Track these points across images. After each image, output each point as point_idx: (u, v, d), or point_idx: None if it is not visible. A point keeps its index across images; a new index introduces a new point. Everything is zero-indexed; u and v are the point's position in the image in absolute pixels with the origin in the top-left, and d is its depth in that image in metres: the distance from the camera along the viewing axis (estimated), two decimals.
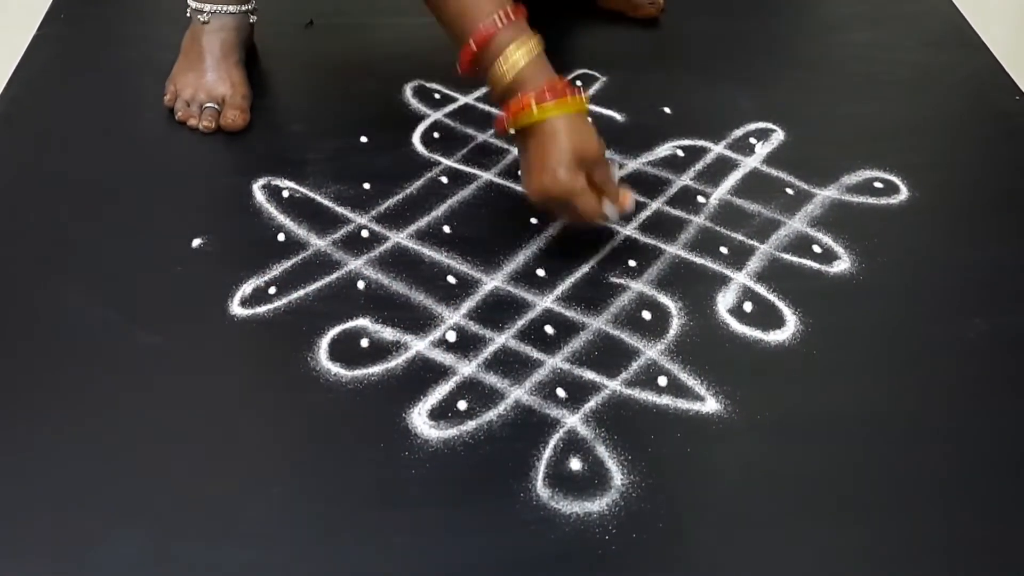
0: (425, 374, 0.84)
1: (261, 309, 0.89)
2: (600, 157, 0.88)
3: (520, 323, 0.89)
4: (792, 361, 0.86)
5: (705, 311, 0.90)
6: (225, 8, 1.10)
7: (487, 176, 1.04)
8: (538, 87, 0.86)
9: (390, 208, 1.00)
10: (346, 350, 0.86)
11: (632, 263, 0.94)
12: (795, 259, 0.95)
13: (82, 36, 1.24)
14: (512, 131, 0.89)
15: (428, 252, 0.95)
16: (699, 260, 0.95)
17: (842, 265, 0.94)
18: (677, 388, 0.83)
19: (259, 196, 1.01)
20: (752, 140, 1.08)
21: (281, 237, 0.96)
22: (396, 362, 0.85)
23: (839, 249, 0.96)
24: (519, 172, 0.92)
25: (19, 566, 0.72)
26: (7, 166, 1.05)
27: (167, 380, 0.84)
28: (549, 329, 0.88)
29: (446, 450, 0.79)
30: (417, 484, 0.76)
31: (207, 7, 1.09)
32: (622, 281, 0.93)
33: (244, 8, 1.12)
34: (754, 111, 1.12)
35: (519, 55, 0.85)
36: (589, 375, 0.84)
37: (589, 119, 0.89)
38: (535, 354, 0.86)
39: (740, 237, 0.97)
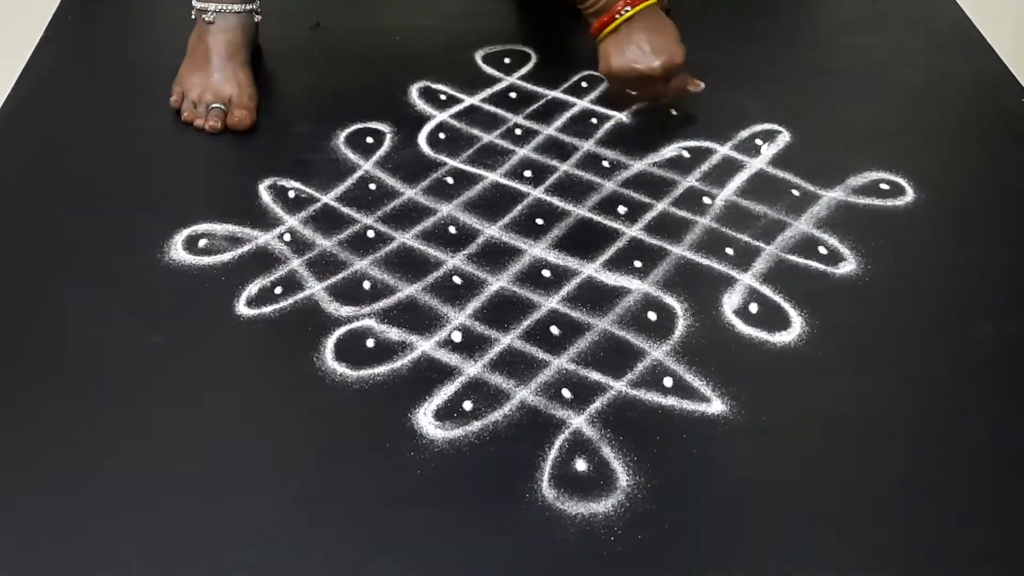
0: (431, 374, 0.84)
1: (267, 309, 0.90)
2: (682, 57, 1.06)
3: (526, 324, 0.89)
4: (798, 362, 0.86)
5: (711, 312, 0.90)
6: (229, 7, 1.10)
7: (492, 177, 1.04)
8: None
9: (396, 208, 1.00)
10: (352, 350, 0.86)
11: (638, 264, 0.94)
12: (801, 260, 0.95)
13: (89, 37, 1.25)
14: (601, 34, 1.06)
15: (434, 253, 0.96)
16: (705, 261, 0.95)
17: (848, 267, 0.94)
18: (683, 389, 0.83)
19: (265, 196, 1.01)
20: (758, 141, 1.08)
21: (287, 237, 0.97)
22: (402, 362, 0.85)
23: (845, 251, 0.96)
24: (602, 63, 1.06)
25: (22, 566, 0.72)
26: (15, 166, 1.05)
27: (173, 380, 0.84)
28: (555, 330, 0.88)
29: (451, 450, 0.79)
30: (422, 484, 0.77)
31: (211, 7, 1.10)
32: (628, 282, 0.93)
33: (248, 7, 1.12)
34: (760, 113, 1.12)
35: None
36: (595, 376, 0.84)
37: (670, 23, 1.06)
38: (541, 355, 0.86)
39: (746, 238, 0.97)
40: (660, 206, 1.01)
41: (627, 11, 1.03)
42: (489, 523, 0.74)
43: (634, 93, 1.08)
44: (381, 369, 0.85)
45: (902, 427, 0.81)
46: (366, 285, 0.92)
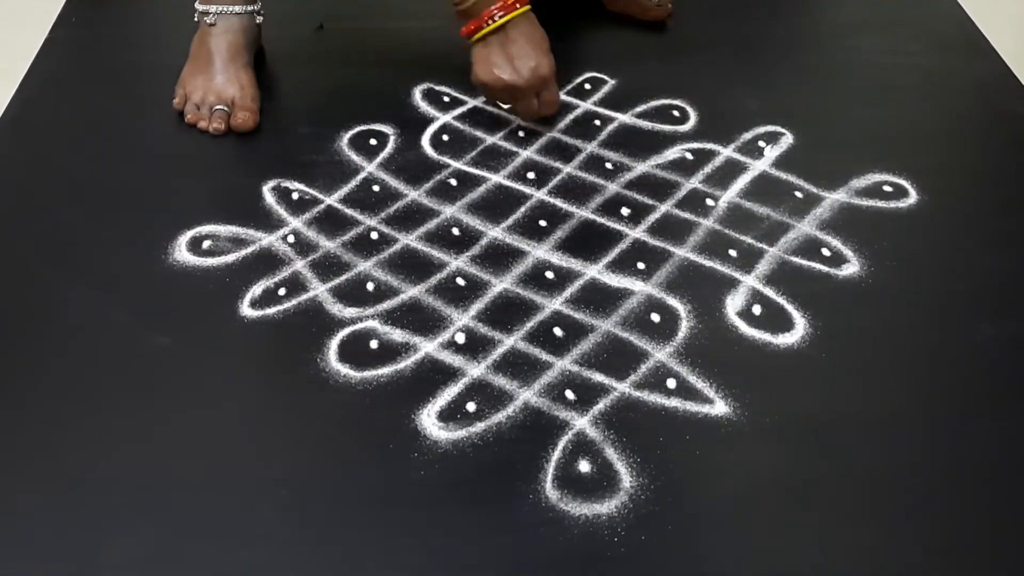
0: (434, 375, 0.84)
1: (271, 310, 0.90)
2: (550, 69, 1.03)
3: (529, 325, 0.89)
4: (801, 364, 0.86)
5: (714, 314, 0.90)
6: (231, 8, 1.10)
7: (496, 178, 1.04)
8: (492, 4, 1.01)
9: (399, 210, 1.00)
10: (355, 351, 0.86)
11: (641, 265, 0.94)
12: (804, 262, 0.95)
13: (93, 40, 1.25)
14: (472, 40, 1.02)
15: (437, 254, 0.96)
16: (708, 263, 0.95)
17: (851, 268, 0.94)
18: (686, 391, 0.83)
19: (269, 198, 1.01)
20: (761, 143, 1.09)
21: (291, 239, 0.97)
22: (405, 363, 0.85)
23: (848, 252, 0.96)
24: (474, 73, 1.05)
25: (27, 566, 0.72)
26: (19, 167, 1.06)
27: (177, 381, 0.84)
28: (558, 331, 0.88)
29: (455, 451, 0.79)
30: (426, 485, 0.77)
31: (213, 8, 1.10)
32: (631, 283, 0.93)
33: (249, 8, 1.12)
34: (763, 114, 1.12)
35: None
36: (598, 377, 0.84)
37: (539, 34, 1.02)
38: (544, 356, 0.86)
39: (749, 240, 0.97)
40: (663, 208, 1.01)
41: (498, 17, 1.00)
42: (492, 524, 0.74)
43: (505, 106, 1.08)
44: (385, 370, 0.85)
45: (905, 429, 0.81)
46: (370, 286, 0.92)
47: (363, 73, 1.19)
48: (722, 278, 0.93)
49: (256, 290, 0.92)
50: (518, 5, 1.00)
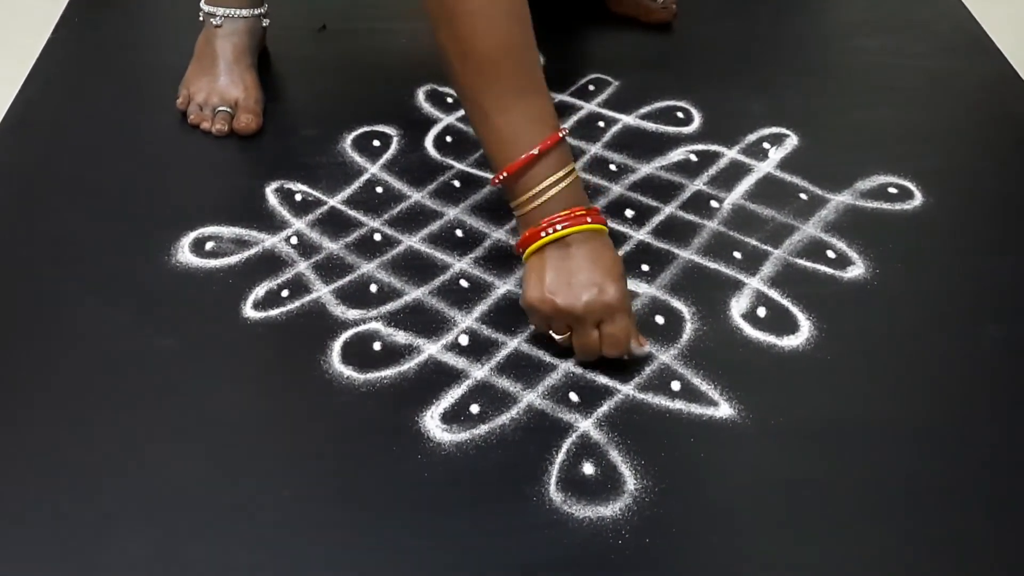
0: (438, 377, 0.84)
1: (274, 312, 0.90)
2: (618, 297, 0.81)
3: (533, 327, 0.88)
4: (806, 366, 0.85)
5: (719, 316, 0.90)
6: (237, 12, 1.10)
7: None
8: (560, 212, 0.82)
9: (402, 212, 1.00)
10: (359, 353, 0.86)
11: (645, 267, 0.94)
12: (809, 264, 0.95)
13: (96, 40, 1.25)
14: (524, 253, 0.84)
15: (440, 256, 0.95)
16: (712, 265, 0.95)
17: (856, 270, 0.94)
18: (690, 393, 0.83)
19: (272, 199, 1.01)
20: (766, 145, 1.08)
21: (294, 240, 0.96)
22: (409, 365, 0.85)
23: (853, 254, 0.95)
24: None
25: (31, 566, 0.72)
26: (21, 168, 1.05)
27: (180, 382, 0.84)
28: None
29: (458, 454, 0.79)
30: (429, 487, 0.76)
31: (219, 10, 1.10)
32: (635, 286, 0.92)
33: (256, 11, 1.12)
34: (768, 116, 1.12)
35: (547, 190, 0.82)
36: (602, 379, 0.84)
37: (614, 252, 0.84)
38: (548, 358, 0.86)
39: (754, 242, 0.97)
40: (668, 210, 1.01)
41: (559, 229, 0.81)
42: (496, 526, 0.74)
43: (558, 338, 0.84)
44: (388, 372, 0.85)
45: (910, 431, 0.81)
46: (373, 288, 0.92)
47: (366, 74, 1.19)
48: (727, 280, 0.93)
49: (259, 291, 0.91)
50: (589, 220, 0.81)
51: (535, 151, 0.80)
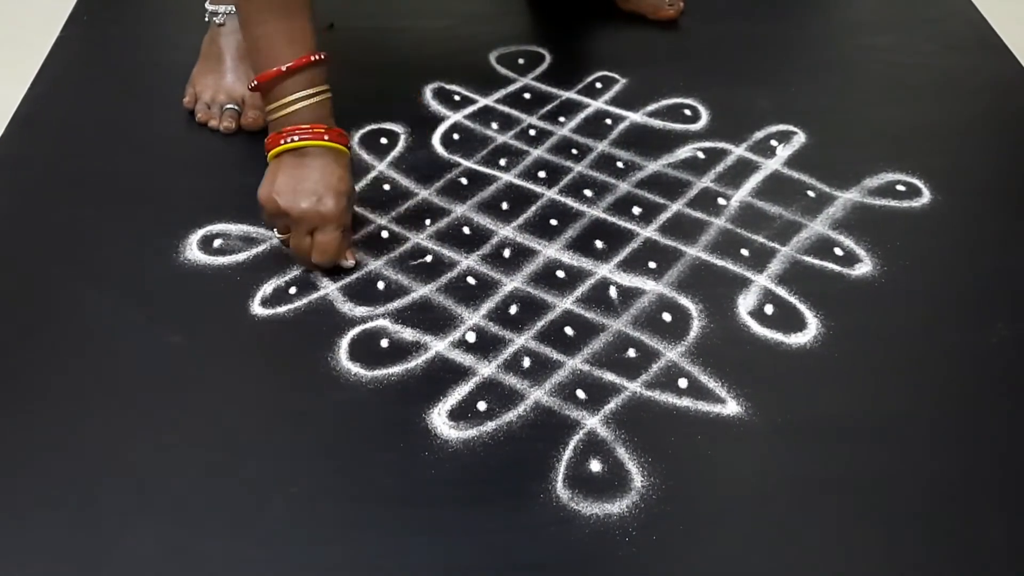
0: (445, 375, 0.84)
1: (282, 309, 0.90)
2: (333, 210, 0.90)
3: (540, 324, 0.88)
4: (813, 364, 0.85)
5: (726, 313, 0.90)
6: None
7: (507, 177, 1.04)
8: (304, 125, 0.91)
9: (410, 209, 1.00)
10: (366, 350, 0.86)
11: (652, 265, 0.94)
12: (816, 262, 0.95)
13: (104, 38, 1.25)
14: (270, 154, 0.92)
15: (448, 253, 0.95)
16: (720, 262, 0.95)
17: (864, 268, 0.94)
18: (697, 390, 0.83)
19: None
20: (773, 142, 1.08)
21: None
22: (416, 362, 0.85)
23: (861, 252, 0.95)
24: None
25: (38, 562, 0.72)
26: (30, 165, 1.06)
27: (188, 379, 0.84)
28: (569, 330, 0.88)
29: (465, 451, 0.79)
30: (436, 484, 0.76)
31: (223, 8, 1.10)
32: (642, 283, 0.92)
33: None
34: (775, 113, 1.12)
35: (293, 104, 0.91)
36: (609, 377, 0.84)
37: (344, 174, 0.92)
38: (555, 355, 0.86)
39: (761, 239, 0.97)
40: (675, 207, 1.00)
41: (294, 140, 0.90)
42: (503, 523, 0.74)
43: (277, 237, 0.93)
44: (395, 369, 0.85)
45: (918, 429, 0.81)
46: (380, 285, 0.92)
47: (373, 72, 1.19)
48: (734, 277, 0.93)
49: (267, 288, 0.91)
50: (326, 137, 0.90)
51: (283, 67, 0.89)
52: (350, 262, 0.93)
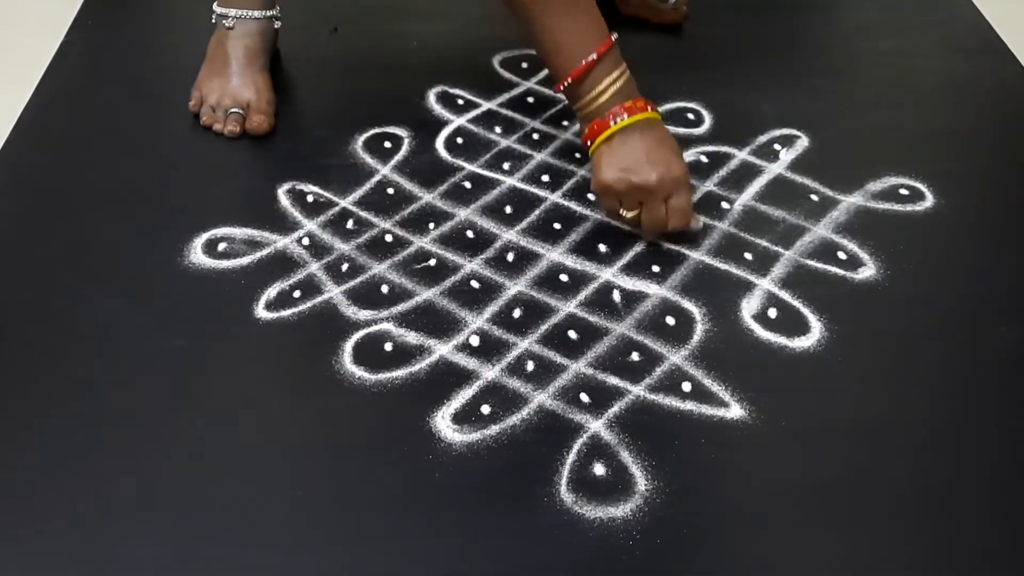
0: (449, 378, 0.84)
1: (286, 312, 0.90)
2: (684, 171, 0.93)
3: (543, 328, 0.89)
4: (817, 368, 0.85)
5: (729, 317, 0.90)
6: (249, 13, 1.11)
7: (510, 181, 1.04)
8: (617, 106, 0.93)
9: (414, 212, 1.00)
10: (370, 354, 0.86)
11: (656, 268, 0.94)
12: (820, 265, 0.95)
13: (109, 42, 1.25)
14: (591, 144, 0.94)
15: (452, 256, 0.96)
16: (723, 266, 0.95)
17: (867, 272, 0.94)
18: (701, 394, 0.83)
19: (284, 200, 1.01)
20: (776, 146, 1.08)
21: (306, 241, 0.97)
22: (420, 366, 0.85)
23: (864, 256, 0.95)
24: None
25: (42, 566, 0.72)
26: (35, 170, 1.06)
27: (192, 383, 0.84)
28: (572, 334, 0.88)
29: (469, 454, 0.79)
30: (440, 488, 0.76)
31: (232, 12, 1.10)
32: (646, 287, 0.92)
33: (269, 13, 1.12)
34: (778, 117, 1.12)
35: (608, 88, 0.93)
36: (613, 380, 0.84)
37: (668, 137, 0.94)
38: (559, 359, 0.86)
39: (764, 243, 0.97)
40: None
41: (623, 119, 0.91)
42: (507, 527, 0.74)
43: (628, 215, 0.94)
44: (399, 373, 0.85)
45: (922, 432, 0.81)
46: (384, 289, 0.92)
47: (377, 76, 1.19)
48: (737, 281, 0.93)
49: (271, 292, 0.92)
50: (648, 109, 0.92)
51: (593, 56, 0.91)
52: (699, 223, 0.96)
